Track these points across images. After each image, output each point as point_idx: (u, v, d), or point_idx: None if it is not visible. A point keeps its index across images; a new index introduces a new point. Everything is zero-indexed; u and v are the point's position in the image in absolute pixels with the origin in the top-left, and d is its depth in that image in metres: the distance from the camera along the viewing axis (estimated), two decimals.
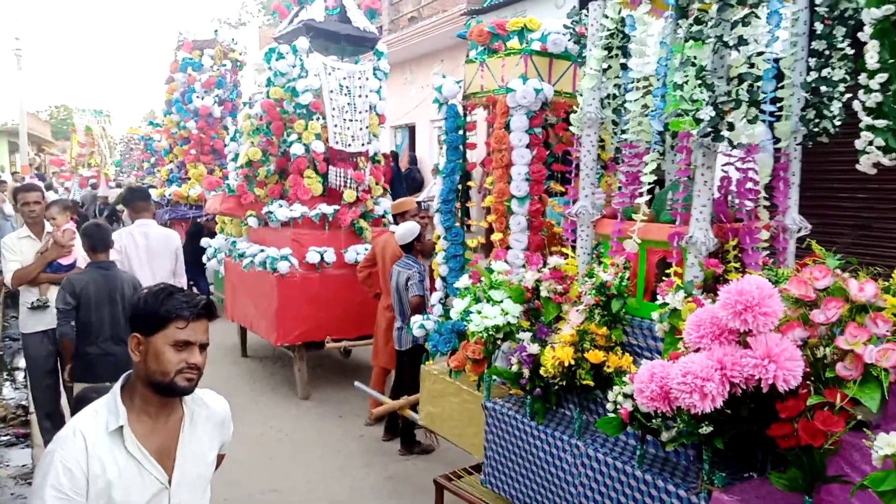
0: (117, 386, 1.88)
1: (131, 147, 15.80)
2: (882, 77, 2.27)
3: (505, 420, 3.13)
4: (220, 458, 2.13)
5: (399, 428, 5.14)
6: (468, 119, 4.26)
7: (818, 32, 2.79)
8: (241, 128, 7.37)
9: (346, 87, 6.75)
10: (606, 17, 3.09)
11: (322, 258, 6.27)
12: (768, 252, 2.91)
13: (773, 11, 2.76)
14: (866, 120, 2.36)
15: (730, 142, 2.53)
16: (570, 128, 3.35)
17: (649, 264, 2.87)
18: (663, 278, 2.68)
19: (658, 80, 2.87)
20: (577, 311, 2.88)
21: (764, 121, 2.66)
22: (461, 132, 4.18)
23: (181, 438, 1.91)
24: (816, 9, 2.79)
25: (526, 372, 2.98)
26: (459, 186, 4.21)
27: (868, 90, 2.34)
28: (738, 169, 2.85)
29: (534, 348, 2.98)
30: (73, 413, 2.19)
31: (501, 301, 3.20)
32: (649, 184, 2.86)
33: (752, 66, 2.57)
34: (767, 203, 2.94)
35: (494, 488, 3.20)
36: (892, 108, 2.25)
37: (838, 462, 1.98)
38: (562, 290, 3.12)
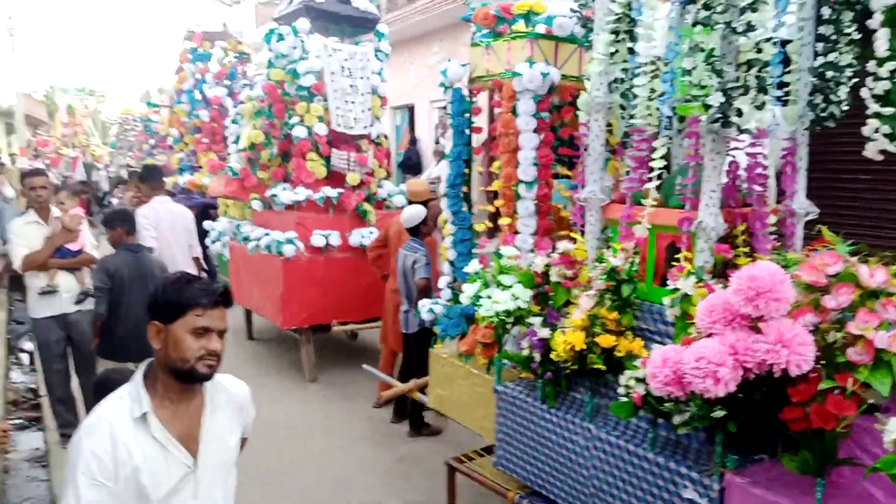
0: (140, 373, 1.92)
1: (126, 128, 15.72)
2: (892, 65, 2.30)
3: (516, 403, 3.19)
4: (244, 441, 2.18)
5: (407, 410, 5.21)
6: (472, 103, 4.26)
7: (825, 17, 2.79)
8: (242, 110, 7.36)
9: (348, 69, 6.73)
10: (614, 0, 3.08)
11: (327, 241, 6.30)
12: (776, 236, 2.94)
13: None
14: (873, 107, 2.39)
15: (738, 127, 2.55)
16: (577, 111, 3.36)
17: (659, 249, 2.90)
18: (673, 263, 2.71)
19: (666, 64, 2.88)
20: (588, 295, 2.91)
21: (771, 106, 2.67)
22: (467, 116, 4.18)
23: (203, 423, 1.95)
24: None
25: (537, 356, 3.02)
26: (466, 171, 4.23)
27: (877, 78, 2.37)
28: (746, 154, 2.87)
29: (544, 332, 3.02)
30: (94, 395, 2.24)
31: (511, 286, 3.23)
32: (660, 168, 2.88)
33: (759, 51, 2.58)
34: (776, 188, 2.97)
35: (507, 470, 3.26)
36: None
37: (849, 445, 2.03)
38: (571, 274, 3.16)
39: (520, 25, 3.93)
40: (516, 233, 3.75)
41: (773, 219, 2.87)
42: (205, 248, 8.55)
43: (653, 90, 3.02)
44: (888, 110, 2.37)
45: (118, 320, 4.38)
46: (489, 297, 3.24)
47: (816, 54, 2.83)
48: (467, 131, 4.19)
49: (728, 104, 2.48)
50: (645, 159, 3.05)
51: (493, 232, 4.21)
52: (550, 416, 2.99)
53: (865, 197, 4.95)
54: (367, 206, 6.67)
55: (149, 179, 6.18)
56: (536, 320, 3.10)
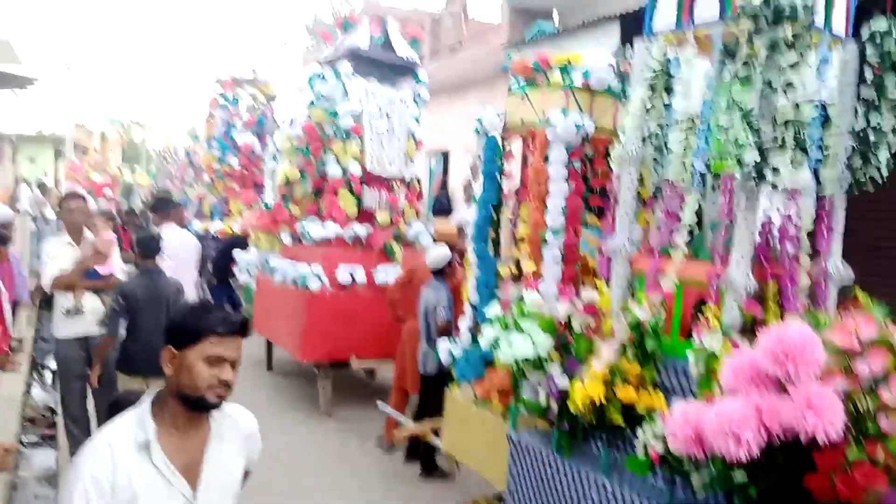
0: (148, 399, 1.90)
1: (166, 158, 16.14)
2: None
3: (530, 452, 3.10)
4: (247, 474, 2.14)
5: (420, 451, 5.11)
6: (504, 151, 4.29)
7: (868, 80, 2.77)
8: (281, 147, 7.52)
9: (386, 112, 6.86)
10: (652, 56, 3.10)
11: (353, 277, 6.31)
12: (809, 299, 2.87)
13: (823, 59, 2.76)
14: None
15: (773, 185, 2.51)
16: (609, 163, 3.36)
17: (686, 304, 2.85)
18: (699, 318, 2.65)
19: (702, 121, 2.88)
20: (611, 347, 2.85)
21: (809, 166, 2.64)
22: (499, 162, 4.21)
23: (207, 453, 1.91)
24: (867, 56, 2.77)
25: (554, 406, 2.95)
26: (494, 216, 4.23)
27: None
28: (780, 213, 2.82)
29: (564, 382, 2.95)
30: (107, 416, 2.22)
31: (532, 333, 3.18)
32: (690, 222, 2.85)
33: (798, 110, 2.56)
34: (809, 249, 2.90)
35: None
36: None
37: None
38: (594, 325, 3.11)
39: (556, 77, 3.98)
40: (540, 279, 3.71)
41: (806, 280, 2.81)
42: (230, 281, 8.71)
43: (687, 145, 3.01)
44: None
45: (133, 340, 4.51)
46: (508, 343, 3.19)
47: (857, 116, 2.79)
48: (498, 177, 4.21)
49: (764, 162, 2.45)
50: (676, 213, 3.02)
51: (517, 278, 4.18)
52: (565, 467, 2.90)
53: None
54: (394, 245, 6.70)
55: (158, 209, 6.46)
56: (556, 369, 3.04)
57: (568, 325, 3.18)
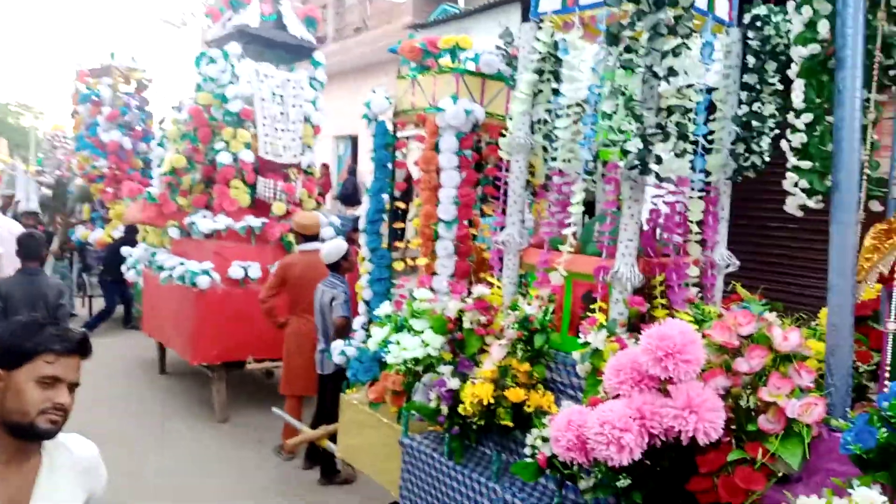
0: None
1: (55, 145, 14.92)
2: (808, 117, 2.22)
3: (422, 458, 2.96)
4: None
5: (319, 456, 4.89)
6: (399, 136, 4.10)
7: (750, 66, 2.74)
8: (168, 133, 7.04)
9: (280, 96, 6.52)
10: (538, 39, 2.98)
11: (246, 273, 5.98)
12: (698, 288, 2.83)
13: (706, 43, 2.70)
14: (792, 160, 2.31)
15: (657, 175, 2.44)
16: (500, 151, 3.23)
17: (575, 297, 2.75)
18: (588, 313, 2.56)
19: (589, 107, 2.78)
20: (500, 345, 2.73)
21: (694, 153, 2.57)
22: (390, 150, 4.02)
23: (36, 489, 1.68)
24: (749, 42, 2.74)
25: (445, 409, 2.81)
26: (387, 206, 4.04)
27: (794, 130, 2.29)
28: (665, 202, 2.77)
29: (454, 383, 2.81)
30: None
31: (422, 331, 3.03)
32: (578, 214, 2.75)
33: (682, 97, 2.50)
34: (699, 238, 2.87)
35: None
36: (818, 150, 2.19)
37: None
38: (486, 321, 2.98)
39: (446, 60, 3.82)
40: (434, 274, 3.56)
41: (694, 270, 2.76)
42: (121, 275, 8.10)
43: (576, 133, 2.91)
44: (806, 164, 2.29)
45: None
46: (398, 343, 3.03)
47: (741, 103, 2.76)
48: (390, 165, 4.02)
49: (647, 150, 2.37)
50: (566, 203, 2.92)
51: (414, 271, 4.01)
52: (456, 473, 2.77)
53: (790, 246, 4.99)
54: (291, 238, 6.39)
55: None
56: (447, 369, 2.90)
57: (459, 322, 3.04)
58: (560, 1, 2.88)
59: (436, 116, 3.57)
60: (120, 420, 5.77)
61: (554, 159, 2.97)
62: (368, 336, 3.87)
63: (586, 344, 2.37)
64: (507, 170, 3.13)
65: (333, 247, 4.89)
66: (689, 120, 2.48)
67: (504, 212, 3.13)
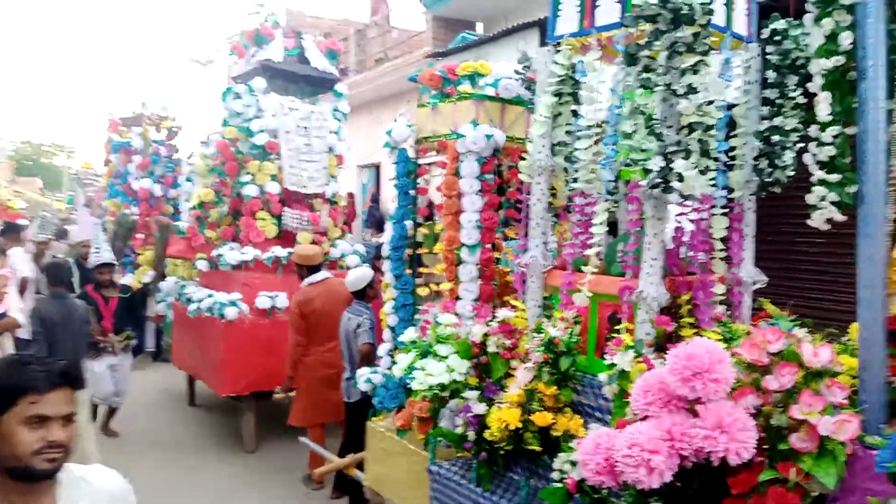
0: None
1: (85, 182, 15.18)
2: (834, 129, 2.19)
3: (450, 485, 2.92)
4: None
5: (347, 484, 4.86)
6: (421, 163, 4.13)
7: (770, 81, 2.72)
8: (196, 168, 7.18)
9: (304, 128, 6.62)
10: (556, 62, 2.99)
11: (273, 303, 6.02)
12: (725, 306, 2.78)
13: (726, 59, 2.70)
14: (818, 174, 2.27)
15: (680, 193, 2.42)
16: (521, 174, 3.24)
17: (601, 318, 2.73)
18: (614, 334, 2.53)
19: (609, 127, 2.78)
20: (525, 368, 2.71)
21: (716, 170, 2.55)
22: (412, 177, 4.05)
23: None
24: (768, 57, 2.72)
25: (471, 434, 2.78)
26: (411, 232, 4.06)
27: (820, 143, 2.26)
28: (691, 220, 2.74)
29: (480, 408, 2.79)
30: None
31: (447, 357, 3.02)
32: (601, 234, 2.74)
33: (702, 114, 2.48)
34: (724, 255, 2.83)
35: None
36: (843, 162, 2.16)
37: None
38: (511, 344, 2.96)
39: (466, 87, 3.85)
40: (458, 299, 3.55)
41: (721, 288, 2.72)
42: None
43: (597, 153, 2.91)
44: (834, 177, 2.25)
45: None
46: (423, 369, 3.02)
47: (762, 118, 2.74)
48: (412, 192, 4.05)
49: (669, 168, 2.35)
50: (588, 224, 2.91)
51: (438, 296, 4.01)
52: (485, 501, 2.73)
53: (819, 262, 4.89)
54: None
55: (4, 234, 7.51)
56: (472, 394, 2.88)
57: (483, 346, 3.03)
58: (577, 23, 2.91)
59: (456, 142, 3.59)
60: (150, 452, 5.82)
61: (575, 180, 2.96)
62: (394, 362, 3.88)
63: (613, 365, 2.34)
64: (528, 192, 3.13)
65: (359, 274, 4.91)
66: (711, 136, 2.46)
67: (526, 234, 3.13)
